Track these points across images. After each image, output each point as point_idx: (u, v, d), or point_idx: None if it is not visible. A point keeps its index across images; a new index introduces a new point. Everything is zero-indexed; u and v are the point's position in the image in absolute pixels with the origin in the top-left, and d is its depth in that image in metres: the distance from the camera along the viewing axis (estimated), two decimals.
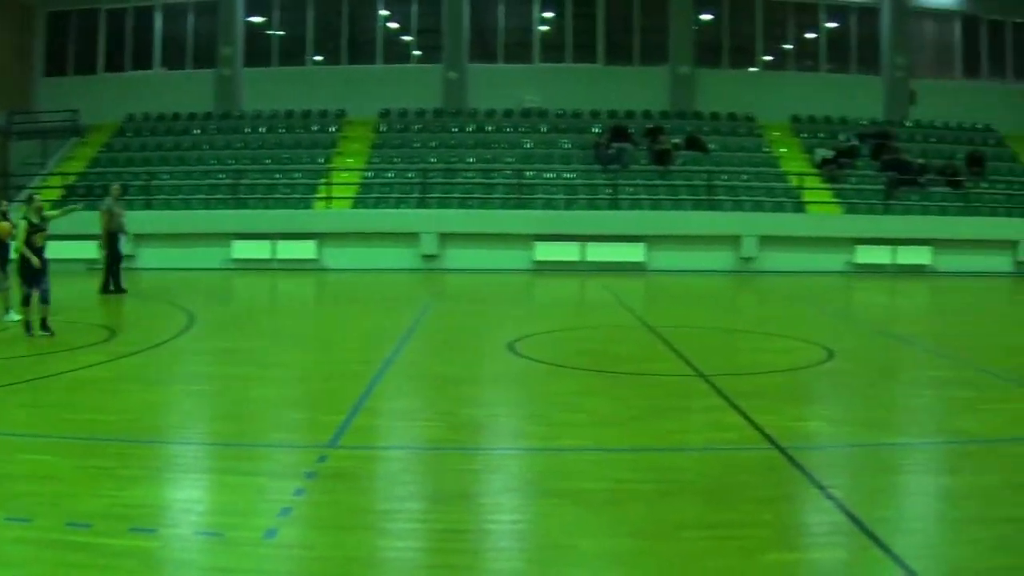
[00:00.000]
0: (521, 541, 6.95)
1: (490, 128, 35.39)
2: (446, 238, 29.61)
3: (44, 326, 15.58)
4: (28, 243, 15.77)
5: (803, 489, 8.29)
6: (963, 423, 10.92)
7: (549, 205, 31.05)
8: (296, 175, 32.85)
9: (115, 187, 23.98)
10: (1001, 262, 31.69)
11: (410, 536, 6.95)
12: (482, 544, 6.86)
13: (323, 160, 33.81)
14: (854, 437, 10.36)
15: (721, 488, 8.14)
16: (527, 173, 32.15)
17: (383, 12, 38.26)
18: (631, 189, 31.93)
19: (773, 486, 8.30)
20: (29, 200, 17.05)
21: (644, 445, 9.53)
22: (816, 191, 32.83)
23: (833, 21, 40.64)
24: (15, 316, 16.89)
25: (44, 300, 15.65)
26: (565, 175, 32.61)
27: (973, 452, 9.73)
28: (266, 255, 29.09)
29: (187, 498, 7.76)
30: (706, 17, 39.58)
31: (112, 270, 22.36)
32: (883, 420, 11.13)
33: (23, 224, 16.04)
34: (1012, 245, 31.91)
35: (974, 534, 7.27)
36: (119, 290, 22.32)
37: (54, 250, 17.21)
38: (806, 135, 37.25)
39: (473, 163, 33.09)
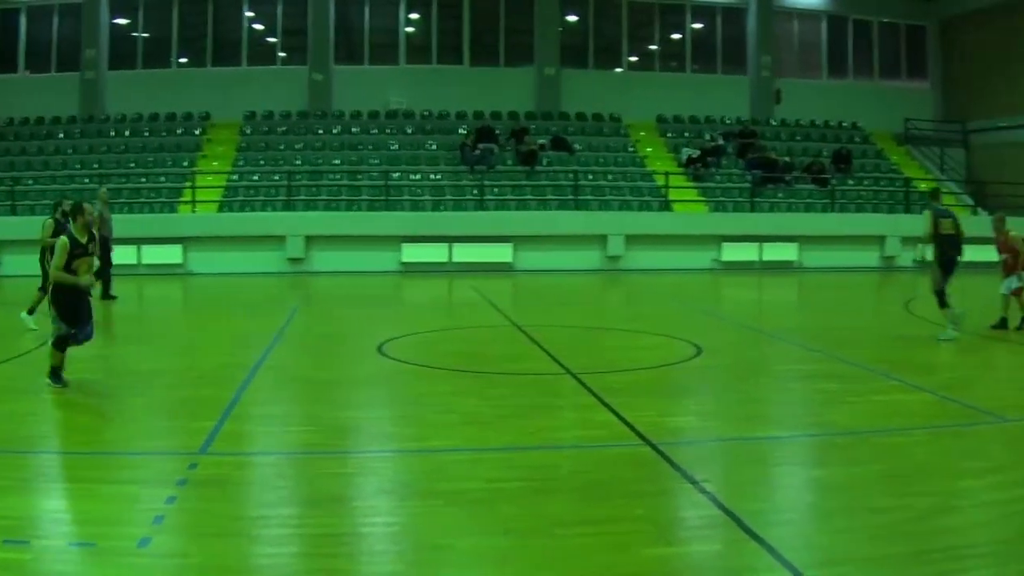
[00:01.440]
0: (397, 543, 6.92)
1: (356, 130, 35.17)
2: (313, 241, 29.36)
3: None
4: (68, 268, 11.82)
5: (676, 483, 8.39)
6: (832, 415, 11.16)
7: (416, 207, 31.00)
8: (161, 179, 32.28)
9: (102, 191, 23.37)
10: (868, 257, 32.53)
11: (285, 542, 6.88)
12: (358, 548, 6.83)
13: (188, 163, 33.26)
14: (725, 431, 10.56)
15: (594, 484, 8.22)
16: (394, 175, 32.02)
17: (248, 13, 37.77)
18: (497, 190, 32.03)
19: (646, 481, 8.38)
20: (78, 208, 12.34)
21: (516, 444, 9.57)
22: (682, 190, 33.28)
23: (699, 22, 41.28)
24: (31, 324, 16.55)
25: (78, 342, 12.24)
26: (432, 176, 32.58)
27: (843, 443, 9.96)
28: (132, 260, 28.53)
29: (59, 508, 7.62)
30: (572, 18, 39.93)
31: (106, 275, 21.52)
32: (753, 414, 11.31)
33: (62, 242, 11.91)
34: (879, 240, 32.73)
35: (847, 524, 7.44)
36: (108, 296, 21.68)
37: None
38: (672, 135, 37.78)
39: (339, 165, 32.89)
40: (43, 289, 15.91)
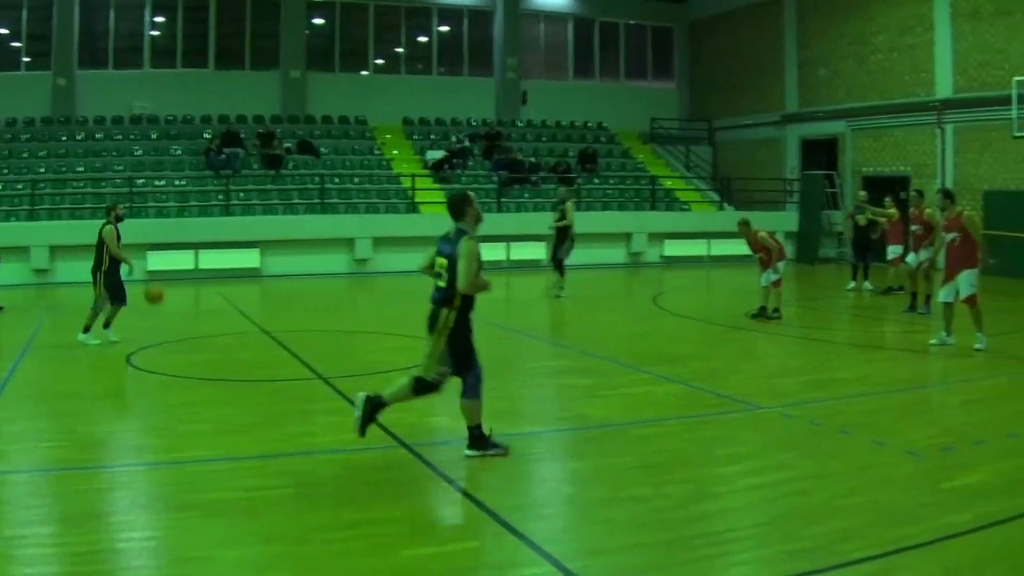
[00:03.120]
0: (156, 557, 6.86)
1: (100, 136, 34.06)
2: (57, 250, 28.43)
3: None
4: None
5: (434, 484, 8.55)
6: (586, 409, 11.50)
7: (161, 213, 30.36)
8: None
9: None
10: (615, 254, 33.43)
11: (41, 561, 6.74)
12: (117, 564, 6.74)
13: None
14: None
15: (352, 488, 8.30)
16: (138, 181, 31.27)
17: None
18: (243, 195, 31.62)
19: (403, 483, 8.53)
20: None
21: (272, 451, 9.55)
22: (429, 192, 33.43)
23: (445, 24, 41.62)
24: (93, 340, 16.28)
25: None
26: (177, 182, 31.87)
27: (598, 436, 10.29)
28: None
29: None
30: (318, 21, 39.74)
31: None
32: (507, 411, 11.45)
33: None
34: (625, 237, 33.64)
35: (607, 514, 7.72)
36: None
37: None
38: (418, 137, 38.00)
39: (83, 172, 31.94)
40: None
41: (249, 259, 29.17)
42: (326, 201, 31.79)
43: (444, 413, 11.49)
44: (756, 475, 8.91)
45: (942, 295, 16.25)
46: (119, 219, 16.85)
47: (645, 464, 9.17)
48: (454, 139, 37.20)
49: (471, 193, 9.70)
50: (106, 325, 16.56)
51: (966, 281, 15.90)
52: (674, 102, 45.79)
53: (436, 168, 34.83)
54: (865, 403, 11.85)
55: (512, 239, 31.47)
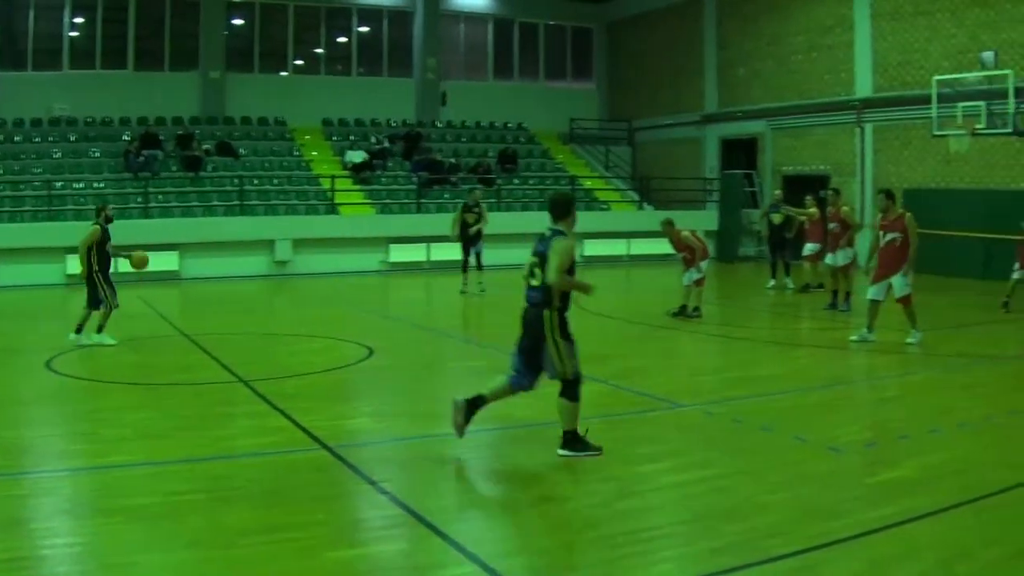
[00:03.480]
0: (79, 564, 6.80)
1: (18, 138, 33.45)
2: None
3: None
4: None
5: (356, 486, 8.56)
6: (508, 409, 11.27)
7: (80, 216, 29.89)
8: None
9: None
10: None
11: None
12: (40, 571, 6.68)
13: None
14: (401, 431, 10.78)
15: (274, 492, 8.28)
16: (57, 184, 30.94)
17: None
18: (162, 197, 31.33)
19: (326, 485, 8.52)
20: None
21: (194, 455, 9.49)
22: (349, 193, 33.42)
23: (365, 25, 41.49)
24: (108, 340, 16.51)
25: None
26: (96, 184, 31.51)
27: (523, 436, 10.40)
28: None
29: None
30: (237, 22, 39.41)
31: None
32: (429, 412, 11.53)
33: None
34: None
35: (531, 514, 7.82)
36: None
37: None
38: (337, 138, 37.86)
39: (1, 175, 31.52)
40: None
41: (168, 262, 28.84)
42: (245, 203, 31.57)
43: (365, 415, 11.63)
44: (678, 473, 9.00)
45: (872, 292, 16.46)
46: (108, 220, 17.04)
47: (568, 463, 9.22)
48: (374, 140, 37.10)
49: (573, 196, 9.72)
50: (78, 330, 16.64)
51: (902, 281, 16.20)
52: (593, 102, 46.07)
53: (357, 170, 34.77)
54: (786, 400, 12.02)
55: (432, 240, 31.40)
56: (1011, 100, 24.30)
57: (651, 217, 34.79)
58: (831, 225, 21.41)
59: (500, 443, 10.29)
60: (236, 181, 32.23)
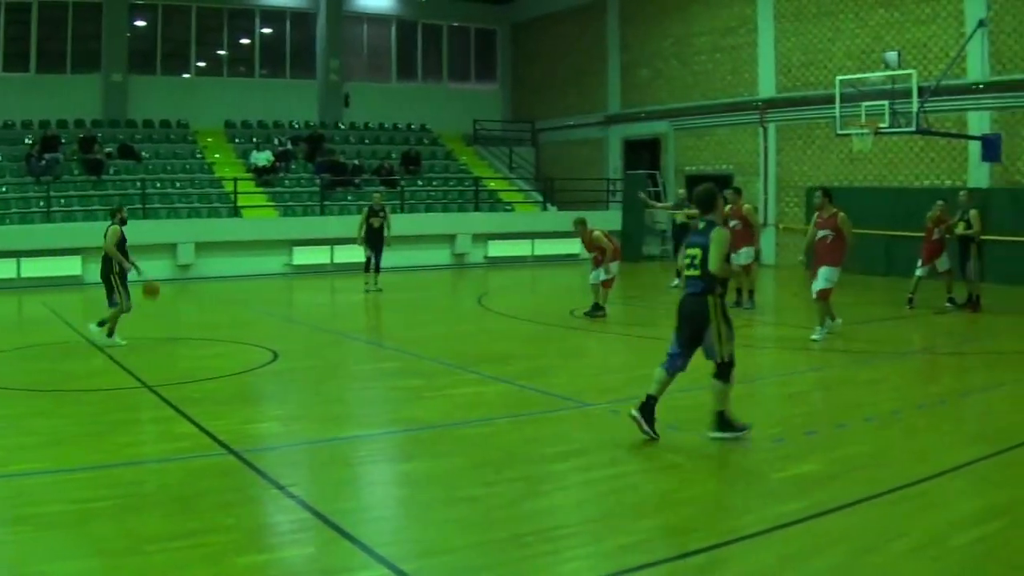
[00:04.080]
0: None
1: None
2: None
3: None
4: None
5: (263, 490, 8.54)
6: (414, 411, 11.57)
7: None
8: None
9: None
10: (439, 255, 33.54)
11: None
12: None
13: None
14: (309, 434, 10.73)
15: (183, 498, 8.21)
16: None
17: None
18: (64, 201, 30.99)
19: (233, 490, 8.48)
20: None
21: (101, 462, 9.41)
22: (252, 195, 33.24)
23: (268, 27, 41.41)
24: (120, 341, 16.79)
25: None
26: None
27: (428, 438, 10.38)
28: None
29: None
30: (140, 24, 39.01)
31: None
32: (336, 415, 11.60)
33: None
34: (449, 239, 33.86)
35: (440, 515, 7.83)
36: None
37: None
38: (240, 140, 37.73)
39: None
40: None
41: (71, 267, 28.44)
42: (148, 206, 31.27)
43: (271, 419, 11.57)
44: (586, 471, 9.11)
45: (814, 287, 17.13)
46: (123, 222, 17.41)
47: (476, 464, 9.29)
48: (277, 142, 36.96)
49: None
50: (101, 323, 17.08)
51: (824, 276, 16.80)
52: (497, 104, 46.36)
53: (260, 173, 34.62)
54: (693, 398, 12.00)
55: (336, 242, 31.39)
56: (914, 99, 24.81)
57: (555, 218, 35.20)
58: (732, 223, 21.72)
59: (407, 445, 10.29)
60: (138, 184, 31.86)
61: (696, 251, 9.95)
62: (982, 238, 20.90)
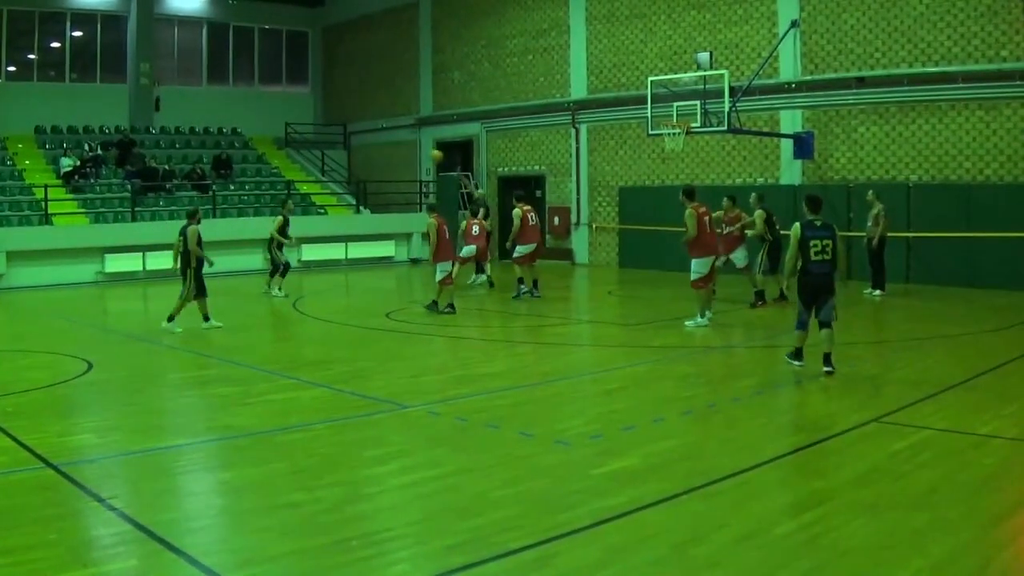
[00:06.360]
0: None
1: None
2: None
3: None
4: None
5: (84, 504, 8.39)
6: (232, 419, 11.57)
7: None
8: None
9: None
10: (251, 261, 33.29)
11: None
12: None
13: None
14: (126, 445, 10.57)
15: (1, 514, 8.05)
16: None
17: None
18: None
19: (53, 505, 8.34)
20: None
21: None
22: (62, 202, 32.62)
23: (79, 30, 40.65)
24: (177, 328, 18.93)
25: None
26: None
27: (246, 445, 10.43)
28: None
29: None
30: None
31: None
32: (153, 425, 11.49)
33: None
34: (261, 244, 33.69)
35: (262, 523, 7.87)
36: None
37: None
38: (51, 146, 36.96)
39: None
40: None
41: None
42: None
43: (88, 431, 11.37)
44: (407, 473, 9.23)
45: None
46: (198, 221, 19.53)
47: (296, 470, 9.34)
48: (87, 147, 36.38)
49: None
50: (206, 319, 19.61)
51: (692, 267, 18.16)
52: (309, 107, 46.40)
53: (67, 178, 34.16)
54: (510, 397, 12.39)
55: (148, 248, 31.07)
56: (726, 99, 25.72)
57: (368, 221, 35.41)
58: (728, 229, 22.12)
59: (226, 453, 10.31)
60: None
61: (829, 242, 13.56)
62: (771, 237, 21.73)
